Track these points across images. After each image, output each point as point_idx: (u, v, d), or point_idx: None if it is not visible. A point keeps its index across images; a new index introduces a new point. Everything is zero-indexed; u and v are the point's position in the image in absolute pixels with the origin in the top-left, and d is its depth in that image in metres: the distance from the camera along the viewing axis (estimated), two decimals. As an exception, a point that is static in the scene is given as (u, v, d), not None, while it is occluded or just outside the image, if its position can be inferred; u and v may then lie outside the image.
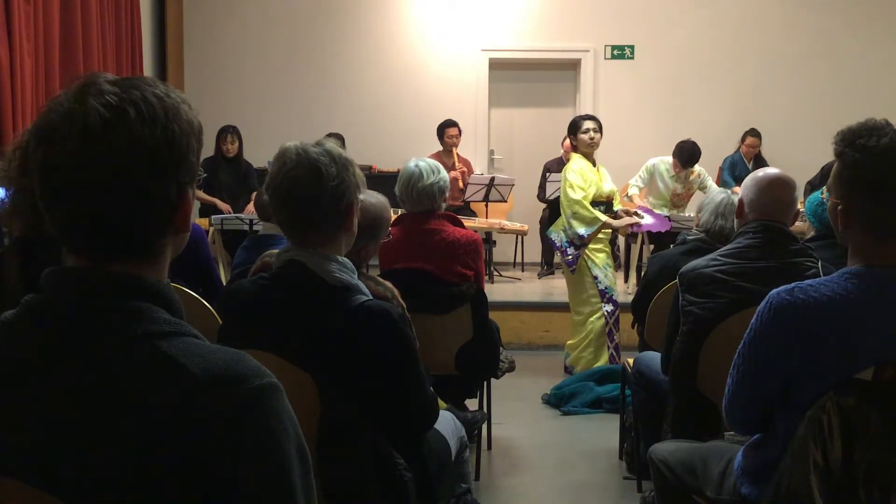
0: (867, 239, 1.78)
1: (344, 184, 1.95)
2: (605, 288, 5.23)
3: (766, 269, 2.56)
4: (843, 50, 8.82)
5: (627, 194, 6.90)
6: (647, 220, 5.68)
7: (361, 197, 2.08)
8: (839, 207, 1.80)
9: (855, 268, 1.78)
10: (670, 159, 6.92)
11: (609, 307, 5.24)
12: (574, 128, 5.25)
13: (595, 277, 5.23)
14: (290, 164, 1.94)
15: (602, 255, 5.24)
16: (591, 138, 5.15)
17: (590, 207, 5.14)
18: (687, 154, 6.76)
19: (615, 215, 5.29)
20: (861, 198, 1.76)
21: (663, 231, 6.30)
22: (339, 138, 7.72)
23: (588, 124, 5.18)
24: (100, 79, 1.05)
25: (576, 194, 5.14)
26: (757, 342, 1.84)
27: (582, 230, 5.14)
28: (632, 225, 5.41)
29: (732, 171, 8.19)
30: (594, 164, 5.28)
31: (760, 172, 2.75)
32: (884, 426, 1.63)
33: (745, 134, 8.40)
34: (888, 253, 1.76)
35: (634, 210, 5.50)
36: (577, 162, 5.27)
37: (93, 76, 1.06)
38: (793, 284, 1.79)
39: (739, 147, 8.47)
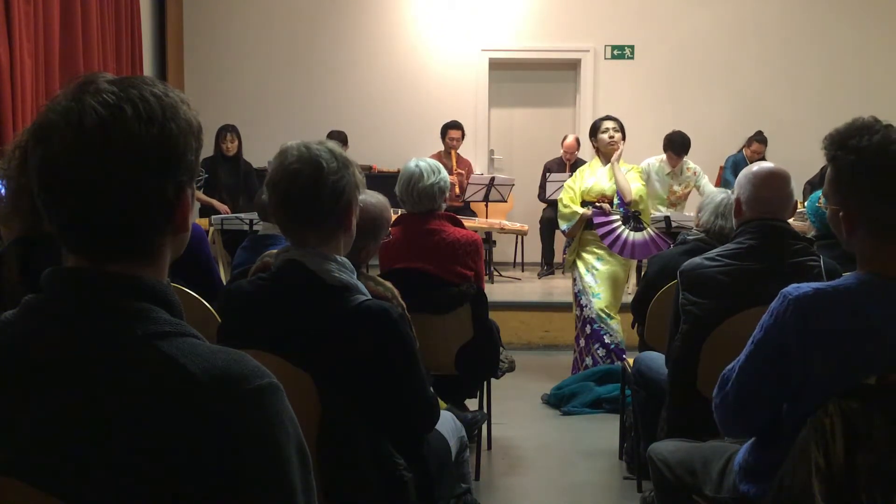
0: (875, 242, 1.75)
1: (344, 180, 1.96)
2: (578, 291, 5.19)
3: (768, 269, 2.55)
4: (842, 49, 8.82)
5: None
6: (636, 237, 5.04)
7: (361, 197, 2.08)
8: (840, 214, 1.78)
9: (867, 275, 1.76)
10: (663, 157, 6.93)
11: (577, 311, 5.20)
12: (594, 129, 5.24)
13: (574, 279, 5.25)
14: (291, 159, 1.94)
15: (590, 257, 5.15)
16: (611, 137, 5.11)
17: (570, 204, 5.18)
18: (678, 143, 6.81)
19: (600, 209, 5.09)
20: (863, 199, 1.73)
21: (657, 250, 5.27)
22: (342, 136, 7.78)
23: (607, 124, 5.17)
24: (98, 78, 1.05)
25: (563, 195, 5.29)
26: (770, 339, 1.81)
27: (564, 226, 5.26)
28: (609, 234, 5.03)
29: (735, 171, 8.19)
30: (605, 163, 5.16)
31: (754, 167, 2.72)
32: (887, 430, 1.62)
33: (751, 139, 8.37)
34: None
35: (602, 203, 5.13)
36: (585, 166, 5.40)
37: (92, 75, 1.05)
38: (812, 286, 1.78)
39: (742, 149, 8.47)
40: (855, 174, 1.73)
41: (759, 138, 8.36)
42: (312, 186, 1.92)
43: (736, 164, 8.32)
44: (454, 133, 8.00)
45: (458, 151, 8.12)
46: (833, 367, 1.73)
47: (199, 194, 7.25)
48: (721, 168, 8.46)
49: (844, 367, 1.71)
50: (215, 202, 7.32)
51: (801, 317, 1.75)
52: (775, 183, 2.64)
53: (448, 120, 8.09)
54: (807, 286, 1.77)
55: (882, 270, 1.74)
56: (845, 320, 1.72)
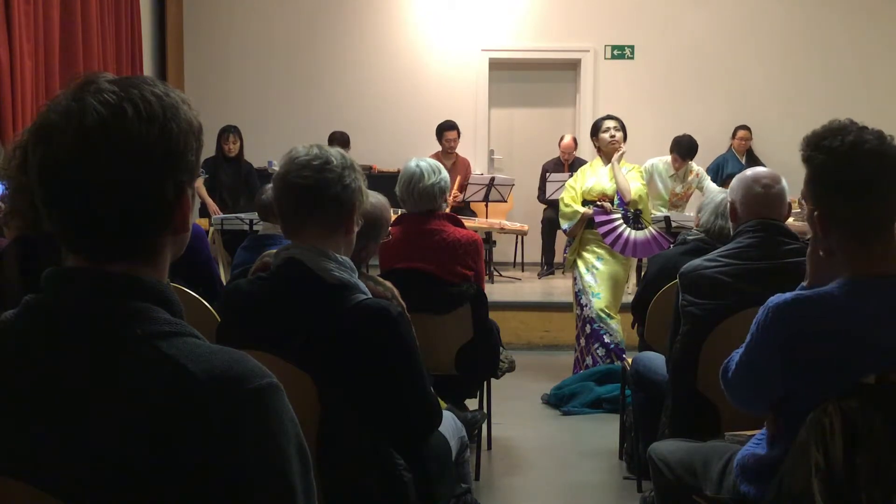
0: (849, 243, 1.77)
1: (351, 177, 2.00)
2: (578, 291, 5.19)
3: (767, 268, 2.56)
4: (841, 49, 8.82)
5: None
6: (637, 236, 5.04)
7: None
8: (815, 213, 1.80)
9: (848, 279, 1.77)
10: (668, 158, 6.94)
11: (577, 311, 5.20)
12: (595, 129, 5.26)
13: (575, 278, 5.26)
14: (302, 153, 2.00)
15: (591, 257, 5.16)
16: (613, 136, 5.12)
17: (571, 203, 5.19)
18: (685, 146, 6.84)
19: (601, 208, 5.09)
20: (835, 200, 1.76)
21: (658, 249, 5.10)
22: (344, 137, 7.77)
23: (608, 123, 5.19)
24: (99, 78, 1.05)
25: (565, 194, 5.29)
26: (757, 351, 1.83)
27: (565, 225, 5.26)
28: (610, 232, 5.03)
29: (718, 172, 8.13)
30: (606, 163, 5.17)
31: (747, 172, 2.76)
32: (887, 430, 1.62)
33: (736, 129, 8.49)
34: (873, 258, 1.76)
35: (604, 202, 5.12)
36: (586, 166, 5.44)
37: (92, 75, 1.05)
38: (792, 294, 1.79)
39: (731, 144, 8.50)
40: (826, 174, 1.75)
41: (742, 126, 8.48)
42: (319, 175, 1.96)
43: (719, 164, 8.28)
44: (450, 134, 7.99)
45: (458, 151, 8.12)
46: (820, 370, 1.74)
47: (202, 192, 7.27)
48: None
49: (832, 370, 1.72)
50: (208, 200, 7.33)
51: (781, 324, 1.77)
52: (766, 183, 2.66)
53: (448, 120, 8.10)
54: (788, 294, 1.79)
55: (862, 271, 1.75)
56: (827, 324, 1.73)
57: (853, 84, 8.73)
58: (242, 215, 6.13)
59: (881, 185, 1.74)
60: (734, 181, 2.76)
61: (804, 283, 1.90)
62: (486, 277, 5.72)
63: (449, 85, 8.93)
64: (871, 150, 1.73)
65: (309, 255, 1.96)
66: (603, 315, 5.05)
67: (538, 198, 8.40)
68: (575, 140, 8.44)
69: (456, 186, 7.59)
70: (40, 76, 5.66)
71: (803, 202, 1.87)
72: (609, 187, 5.12)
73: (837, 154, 1.73)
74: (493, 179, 7.78)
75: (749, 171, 2.76)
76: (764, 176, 2.69)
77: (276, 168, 2.11)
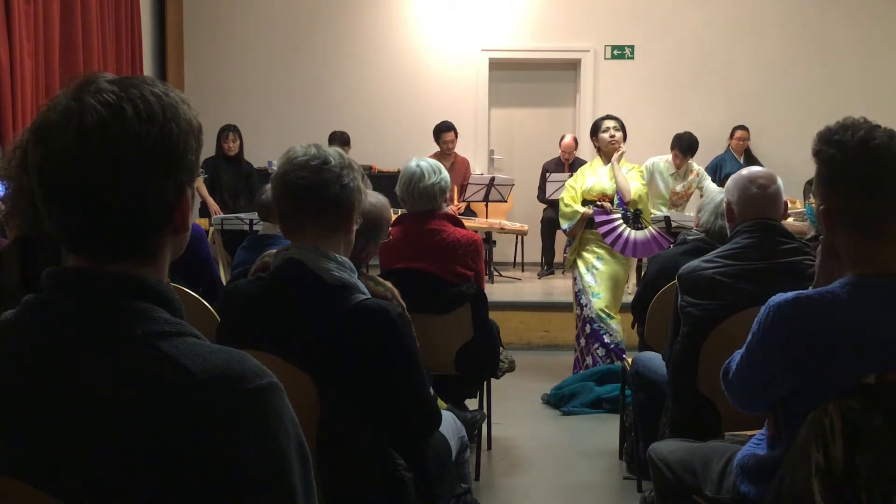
0: (854, 240, 1.76)
1: (349, 177, 1.99)
2: (578, 291, 5.20)
3: (766, 268, 2.55)
4: (840, 51, 8.82)
5: None
6: (637, 236, 5.03)
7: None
8: (821, 208, 1.79)
9: (851, 278, 1.77)
10: (668, 157, 6.95)
11: (577, 310, 5.20)
12: (595, 129, 5.27)
13: (575, 278, 5.26)
14: (300, 153, 2.00)
15: (591, 257, 5.16)
16: (612, 136, 5.13)
17: (571, 203, 5.19)
18: (686, 142, 6.87)
19: (601, 208, 5.10)
20: (841, 195, 1.75)
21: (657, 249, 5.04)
22: (344, 137, 7.77)
23: (608, 123, 5.20)
24: (99, 78, 1.05)
25: (564, 194, 5.29)
26: (758, 350, 1.83)
27: (565, 225, 5.27)
28: (610, 232, 5.02)
29: (716, 172, 8.13)
30: (606, 163, 5.18)
31: (743, 171, 2.74)
32: (887, 429, 1.62)
33: (734, 129, 8.50)
34: (877, 256, 1.75)
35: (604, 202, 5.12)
36: (586, 165, 5.46)
37: (92, 75, 1.05)
38: (794, 293, 1.79)
39: (729, 144, 8.50)
40: (833, 168, 1.75)
41: (740, 126, 8.50)
42: (317, 175, 1.96)
43: (717, 165, 8.28)
44: (447, 136, 7.98)
45: (458, 151, 8.12)
46: (821, 370, 1.73)
47: (202, 190, 7.27)
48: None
49: (833, 369, 1.72)
50: (209, 199, 7.33)
51: (782, 323, 1.76)
52: (762, 183, 2.65)
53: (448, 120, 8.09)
54: (790, 293, 1.78)
55: (865, 269, 1.75)
56: (828, 323, 1.73)
57: (853, 84, 8.73)
58: (242, 215, 6.13)
59: (888, 182, 1.73)
60: (730, 181, 2.74)
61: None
62: (486, 277, 5.72)
63: (449, 85, 8.93)
64: (880, 146, 1.72)
65: (309, 255, 1.96)
66: (603, 315, 5.05)
67: (538, 198, 8.40)
68: (575, 140, 8.44)
69: (455, 194, 7.58)
70: (40, 76, 5.67)
71: (812, 198, 1.86)
72: (609, 187, 5.12)
73: (846, 149, 1.73)
74: (493, 179, 7.78)
75: (745, 171, 2.74)
76: (760, 176, 2.68)
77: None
